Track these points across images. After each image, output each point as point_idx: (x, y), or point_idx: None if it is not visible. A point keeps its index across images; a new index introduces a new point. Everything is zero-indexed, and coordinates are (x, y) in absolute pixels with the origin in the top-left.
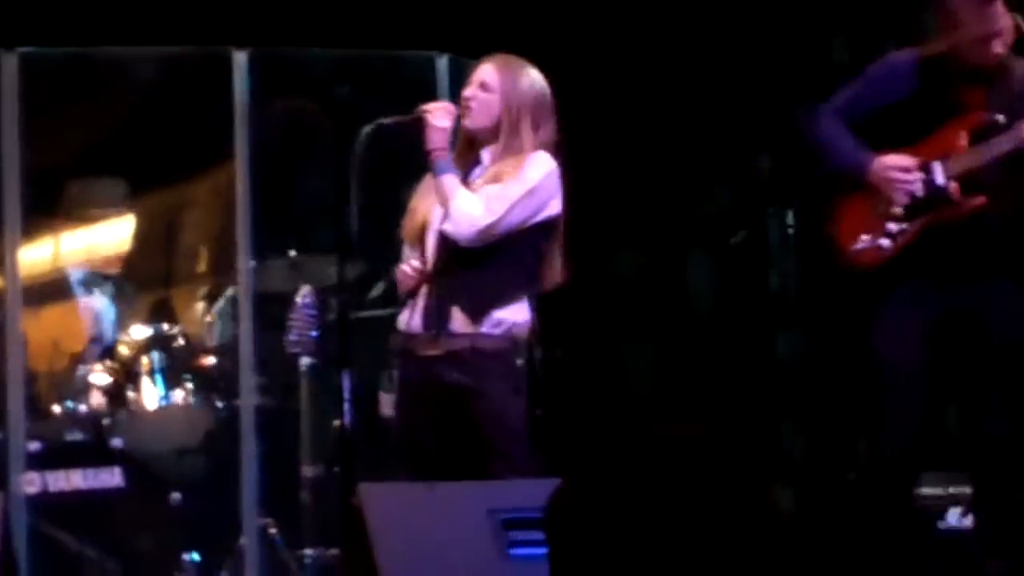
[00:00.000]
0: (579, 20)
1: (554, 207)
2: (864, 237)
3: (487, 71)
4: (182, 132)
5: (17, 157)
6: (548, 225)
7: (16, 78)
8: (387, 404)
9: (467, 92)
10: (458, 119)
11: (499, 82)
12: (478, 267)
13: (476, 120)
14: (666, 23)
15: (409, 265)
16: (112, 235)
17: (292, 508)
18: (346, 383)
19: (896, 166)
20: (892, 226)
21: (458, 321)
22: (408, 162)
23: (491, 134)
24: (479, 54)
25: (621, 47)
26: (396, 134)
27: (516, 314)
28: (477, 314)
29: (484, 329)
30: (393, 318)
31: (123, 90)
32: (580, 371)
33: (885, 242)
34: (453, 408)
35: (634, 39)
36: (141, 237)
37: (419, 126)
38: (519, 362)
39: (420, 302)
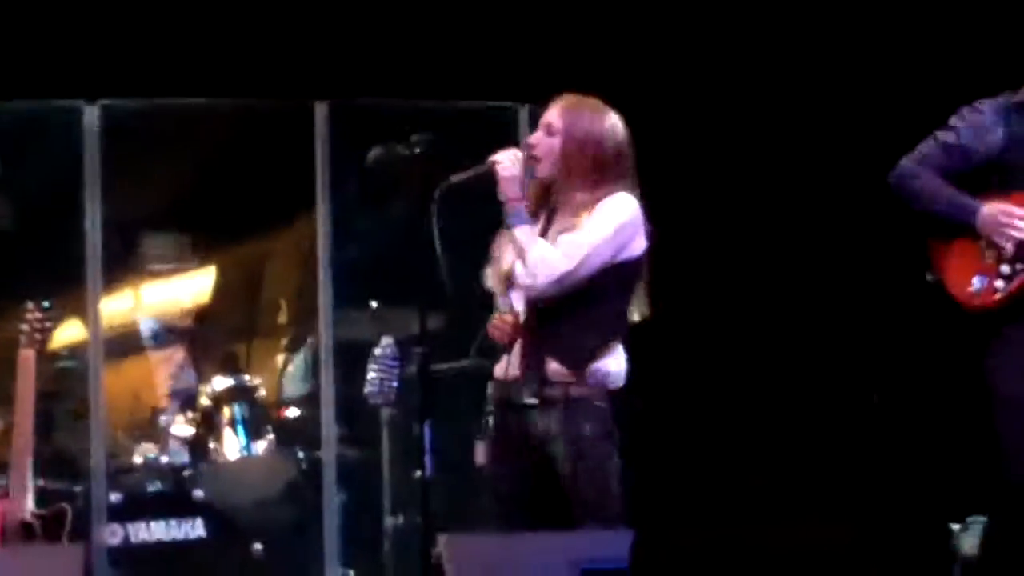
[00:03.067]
0: (662, 63)
1: (636, 247)
2: (976, 280)
3: (551, 113)
4: (263, 183)
5: (99, 209)
6: (632, 264)
7: (97, 129)
8: (481, 453)
9: (532, 138)
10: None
11: (561, 123)
12: (570, 316)
13: (543, 165)
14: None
15: (501, 318)
16: (191, 287)
17: (373, 558)
18: (427, 434)
19: (1008, 212)
20: (1006, 268)
21: (554, 370)
22: (486, 213)
23: (561, 176)
24: None
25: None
26: (471, 187)
27: (612, 363)
28: (574, 365)
29: (580, 378)
30: (475, 370)
31: (204, 141)
32: (664, 421)
33: (1000, 284)
34: (544, 457)
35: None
36: (223, 289)
37: (491, 177)
38: (611, 410)
39: (517, 352)
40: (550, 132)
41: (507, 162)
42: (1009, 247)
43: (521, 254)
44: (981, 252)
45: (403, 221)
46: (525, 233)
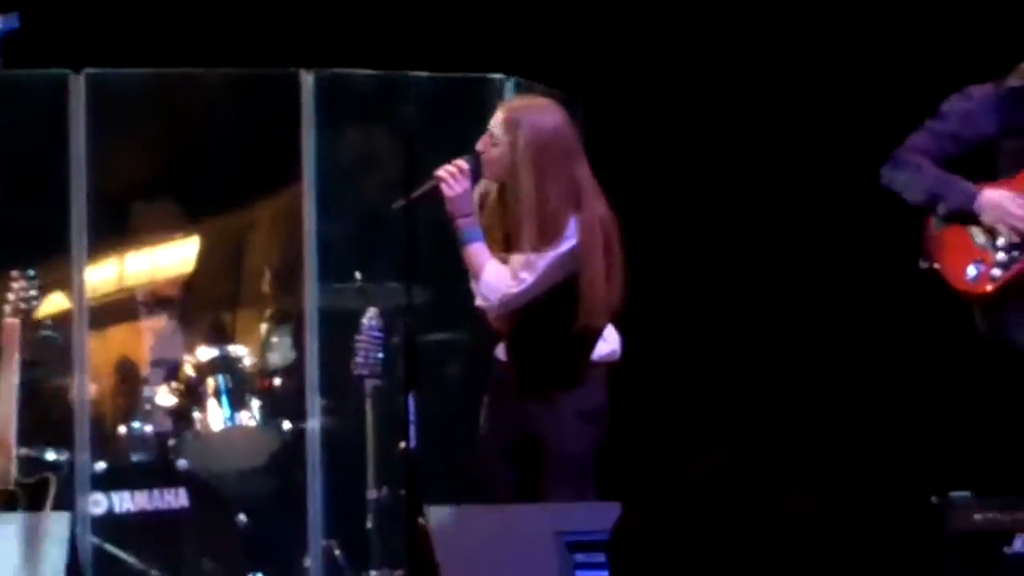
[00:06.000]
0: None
1: (577, 261)
2: (971, 268)
3: (495, 122)
4: (249, 153)
5: (84, 178)
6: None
7: (83, 99)
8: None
9: (479, 144)
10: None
11: (503, 135)
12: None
13: (491, 174)
14: None
15: None
16: (176, 257)
17: (357, 530)
18: (412, 405)
19: (1011, 199)
20: (1002, 255)
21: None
22: None
23: (509, 184)
24: (546, 77)
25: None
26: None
27: (600, 346)
28: (554, 383)
29: None
30: (457, 342)
31: (190, 111)
32: (649, 396)
33: (997, 272)
34: (529, 436)
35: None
36: (207, 259)
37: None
38: (597, 389)
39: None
40: (494, 141)
41: (451, 180)
42: (1012, 235)
43: (475, 274)
44: (973, 239)
45: (388, 192)
46: (476, 252)
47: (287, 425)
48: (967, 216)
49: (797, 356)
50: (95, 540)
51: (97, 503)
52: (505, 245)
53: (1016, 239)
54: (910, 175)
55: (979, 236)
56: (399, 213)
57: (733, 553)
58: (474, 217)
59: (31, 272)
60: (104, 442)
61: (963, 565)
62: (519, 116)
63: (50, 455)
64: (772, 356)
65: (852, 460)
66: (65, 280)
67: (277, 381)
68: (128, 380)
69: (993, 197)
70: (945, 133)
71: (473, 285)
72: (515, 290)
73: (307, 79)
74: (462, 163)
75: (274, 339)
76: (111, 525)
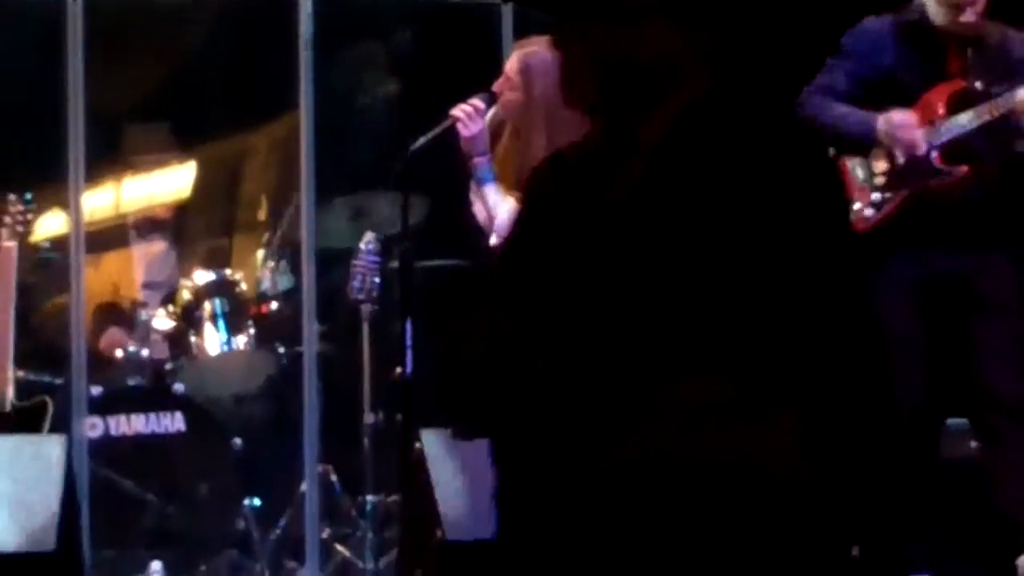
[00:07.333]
0: None
1: None
2: (856, 204)
3: (512, 65)
4: (246, 79)
5: (81, 103)
6: None
7: (81, 24)
8: None
9: (496, 84)
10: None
11: (520, 82)
12: None
13: (507, 114)
14: None
15: None
16: (173, 182)
17: (352, 455)
18: (408, 331)
19: (900, 123)
20: (876, 195)
21: None
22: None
23: (523, 128)
24: (545, 4)
25: None
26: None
27: None
28: None
29: None
30: (455, 267)
31: (187, 36)
32: None
33: (869, 212)
34: None
35: None
36: (203, 184)
37: (453, 132)
38: None
39: None
40: (511, 84)
41: (466, 119)
42: (900, 156)
43: (491, 213)
44: (856, 178)
45: (385, 116)
46: (491, 192)
47: (283, 350)
48: (868, 147)
49: (776, 279)
50: (91, 463)
51: (93, 427)
52: (516, 181)
53: (901, 158)
54: (817, 113)
55: (859, 171)
56: (408, 148)
57: (717, 476)
58: (488, 156)
59: (28, 196)
60: (100, 366)
61: (957, 493)
62: (534, 63)
63: (46, 378)
64: (755, 281)
65: (837, 384)
66: (63, 204)
67: (274, 306)
68: (123, 304)
69: (891, 119)
70: (847, 70)
71: (476, 207)
72: None
73: (305, 3)
74: (477, 102)
75: (271, 264)
76: (107, 449)
